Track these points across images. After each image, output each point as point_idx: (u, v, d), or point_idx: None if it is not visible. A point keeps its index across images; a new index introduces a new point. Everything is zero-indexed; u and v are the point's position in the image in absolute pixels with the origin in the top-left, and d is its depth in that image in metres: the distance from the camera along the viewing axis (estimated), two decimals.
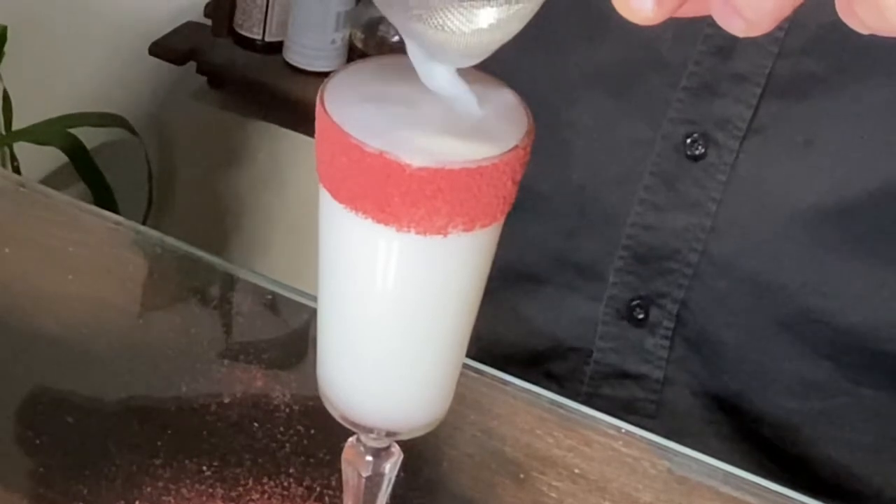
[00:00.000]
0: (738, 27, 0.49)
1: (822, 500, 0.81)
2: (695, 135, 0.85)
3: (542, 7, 0.49)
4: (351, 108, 0.51)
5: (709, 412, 0.92)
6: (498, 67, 0.56)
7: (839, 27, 0.81)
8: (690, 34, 0.84)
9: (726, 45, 0.84)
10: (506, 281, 0.95)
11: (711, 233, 0.86)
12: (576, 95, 0.89)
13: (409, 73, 0.54)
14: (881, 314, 0.87)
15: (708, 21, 0.83)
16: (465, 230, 0.51)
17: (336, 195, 0.52)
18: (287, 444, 0.78)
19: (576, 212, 0.91)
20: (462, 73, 0.53)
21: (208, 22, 1.97)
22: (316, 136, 0.52)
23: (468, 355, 0.80)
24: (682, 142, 0.86)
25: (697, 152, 0.86)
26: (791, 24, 0.82)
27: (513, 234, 0.91)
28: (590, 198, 0.90)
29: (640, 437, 0.82)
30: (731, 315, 0.89)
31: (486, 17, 0.49)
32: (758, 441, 0.92)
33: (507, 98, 0.54)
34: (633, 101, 0.88)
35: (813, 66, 0.82)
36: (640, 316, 0.90)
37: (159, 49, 1.93)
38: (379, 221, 0.51)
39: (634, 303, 0.90)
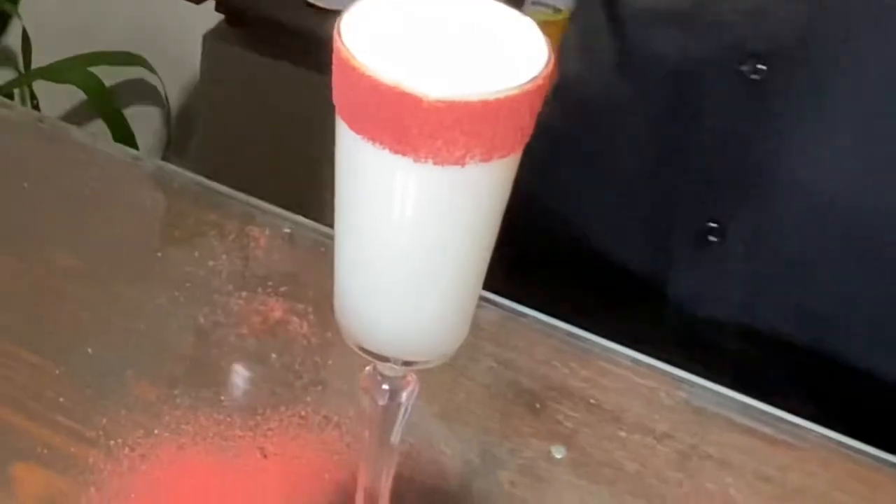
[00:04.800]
0: None
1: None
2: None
3: None
4: (367, 40, 0.51)
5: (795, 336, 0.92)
6: None
7: None
8: None
9: None
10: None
11: (786, 154, 0.87)
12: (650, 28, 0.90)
13: (426, 5, 0.54)
14: None
15: None
16: (483, 160, 0.52)
17: (353, 126, 0.52)
18: (304, 375, 0.78)
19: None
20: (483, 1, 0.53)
21: None
22: (333, 68, 0.52)
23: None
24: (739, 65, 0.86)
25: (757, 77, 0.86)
26: None
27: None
28: (666, 131, 0.91)
29: (656, 367, 0.83)
30: (809, 237, 0.89)
31: None
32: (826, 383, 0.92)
33: (527, 30, 0.54)
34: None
35: None
36: (716, 239, 0.91)
37: None
38: (396, 152, 0.51)
39: (710, 225, 0.91)
